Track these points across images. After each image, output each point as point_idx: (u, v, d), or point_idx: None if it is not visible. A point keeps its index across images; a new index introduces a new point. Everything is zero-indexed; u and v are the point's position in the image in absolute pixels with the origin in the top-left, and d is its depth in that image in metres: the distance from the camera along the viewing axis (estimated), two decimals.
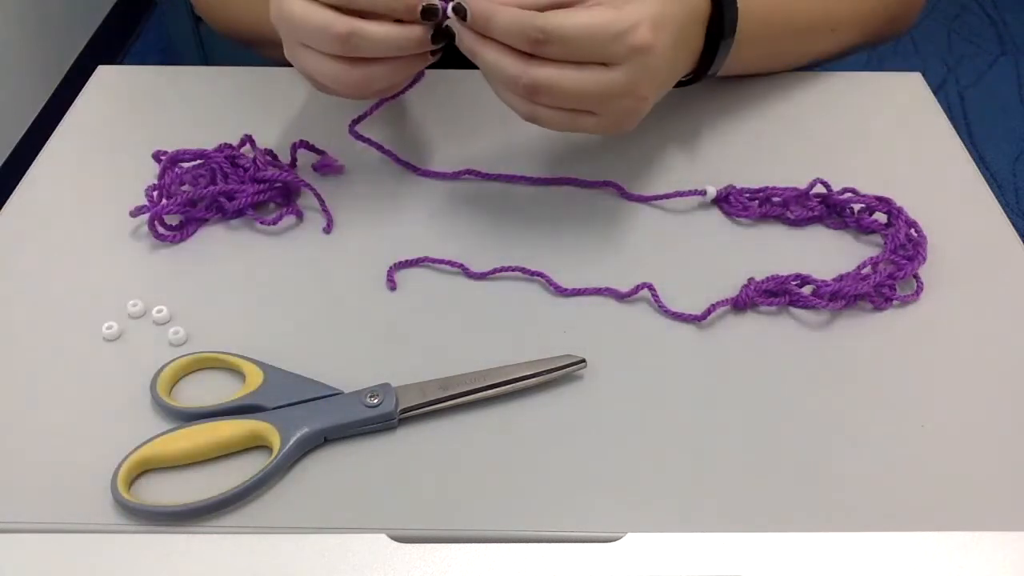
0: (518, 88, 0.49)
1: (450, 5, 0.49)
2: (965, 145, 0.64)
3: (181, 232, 0.57)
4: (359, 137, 0.60)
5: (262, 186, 0.57)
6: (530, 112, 0.51)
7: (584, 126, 0.51)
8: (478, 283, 0.54)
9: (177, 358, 0.48)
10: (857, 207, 0.57)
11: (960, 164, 0.63)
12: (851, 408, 0.47)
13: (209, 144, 0.60)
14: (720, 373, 0.49)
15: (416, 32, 0.50)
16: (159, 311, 0.51)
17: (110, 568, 0.40)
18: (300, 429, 0.44)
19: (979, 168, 0.62)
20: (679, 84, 0.58)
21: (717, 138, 0.65)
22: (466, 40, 0.50)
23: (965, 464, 0.45)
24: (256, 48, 0.72)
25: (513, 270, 0.54)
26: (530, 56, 0.48)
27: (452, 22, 0.50)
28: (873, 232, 0.57)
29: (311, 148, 0.61)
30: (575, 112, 0.50)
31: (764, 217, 0.58)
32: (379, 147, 0.60)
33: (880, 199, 0.57)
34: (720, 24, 0.56)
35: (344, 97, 0.54)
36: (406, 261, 0.55)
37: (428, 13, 0.49)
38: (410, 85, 0.57)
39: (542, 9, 0.49)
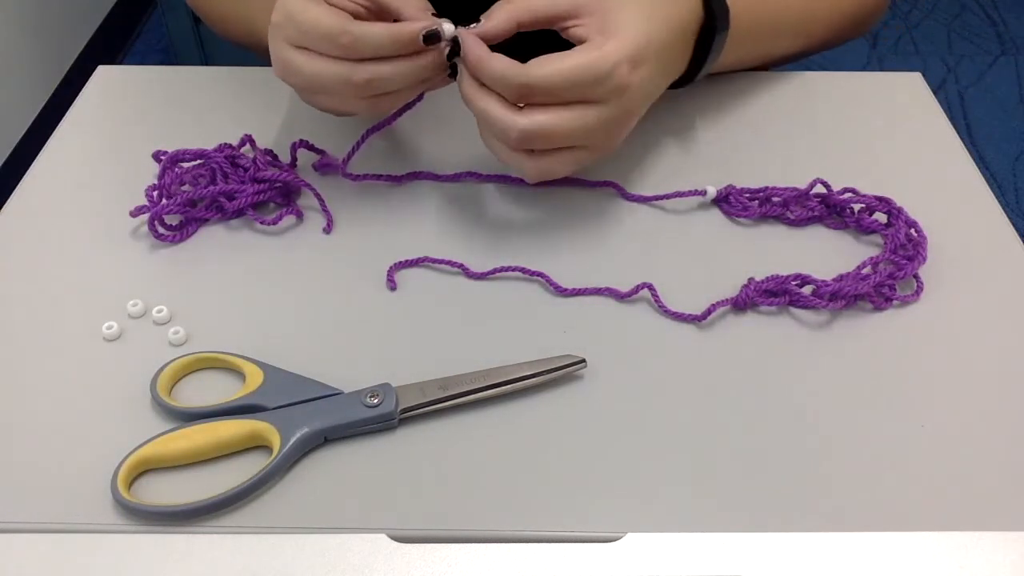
0: (510, 140, 0.51)
1: (444, 25, 0.51)
2: (965, 145, 0.64)
3: (181, 232, 0.57)
4: (355, 177, 0.60)
5: (262, 186, 0.57)
6: (536, 169, 0.52)
7: (583, 160, 0.53)
8: (478, 283, 0.54)
9: (177, 358, 0.48)
10: (857, 207, 0.57)
11: (960, 164, 0.63)
12: (851, 408, 0.47)
13: (209, 144, 0.60)
14: (720, 373, 0.49)
15: (428, 60, 0.52)
16: (159, 311, 0.51)
17: (110, 568, 0.40)
18: (300, 429, 0.44)
19: (979, 168, 0.62)
20: (671, 87, 0.58)
21: (717, 138, 0.65)
22: (464, 85, 0.52)
23: (965, 464, 0.45)
24: (247, 47, 0.72)
25: (513, 270, 0.54)
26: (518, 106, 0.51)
27: (456, 60, 0.52)
28: (873, 232, 0.57)
29: (311, 148, 0.61)
30: (571, 150, 0.52)
31: (764, 217, 0.58)
32: (376, 177, 0.61)
33: (880, 199, 0.57)
34: (710, 33, 0.56)
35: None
36: (406, 261, 0.55)
37: (430, 39, 0.51)
38: (403, 111, 0.58)
39: (527, 28, 0.52)
